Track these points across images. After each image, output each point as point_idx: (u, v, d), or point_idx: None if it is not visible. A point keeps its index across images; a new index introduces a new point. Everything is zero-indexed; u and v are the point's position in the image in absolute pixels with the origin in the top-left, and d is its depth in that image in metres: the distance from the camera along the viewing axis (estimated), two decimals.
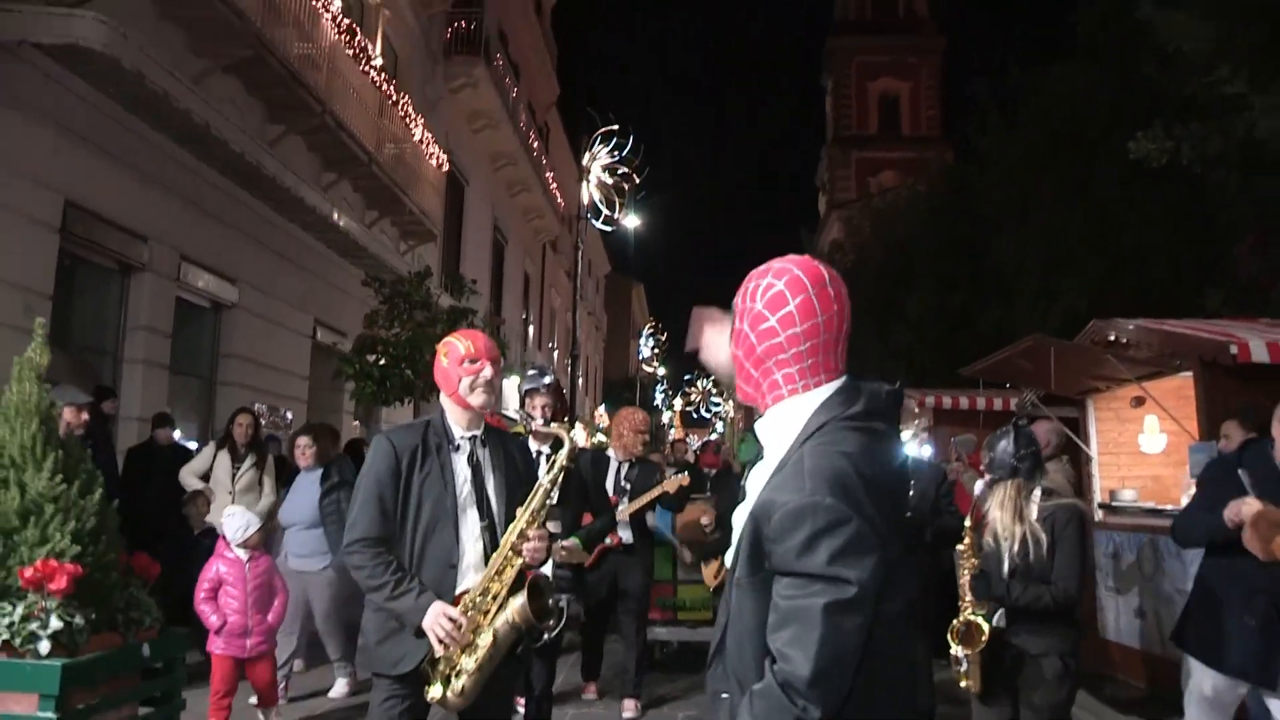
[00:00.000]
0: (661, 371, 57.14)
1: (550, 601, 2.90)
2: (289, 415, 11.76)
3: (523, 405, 4.54)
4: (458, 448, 3.03)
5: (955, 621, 3.60)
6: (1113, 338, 6.65)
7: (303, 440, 6.30)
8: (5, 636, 2.35)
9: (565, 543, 4.45)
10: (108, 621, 2.58)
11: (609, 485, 5.89)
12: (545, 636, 2.98)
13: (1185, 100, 9.93)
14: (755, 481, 1.80)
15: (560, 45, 31.29)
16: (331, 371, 11.81)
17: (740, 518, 1.79)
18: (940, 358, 15.18)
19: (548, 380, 4.57)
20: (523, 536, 2.91)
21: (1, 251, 7.41)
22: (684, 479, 6.19)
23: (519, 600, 2.83)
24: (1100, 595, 7.41)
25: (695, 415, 56.47)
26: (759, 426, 1.85)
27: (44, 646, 2.37)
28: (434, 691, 2.86)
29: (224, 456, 6.91)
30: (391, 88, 13.58)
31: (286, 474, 6.87)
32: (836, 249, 27.85)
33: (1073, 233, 12.49)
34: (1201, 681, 4.01)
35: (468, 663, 2.83)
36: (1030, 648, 3.54)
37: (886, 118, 49.22)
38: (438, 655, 2.86)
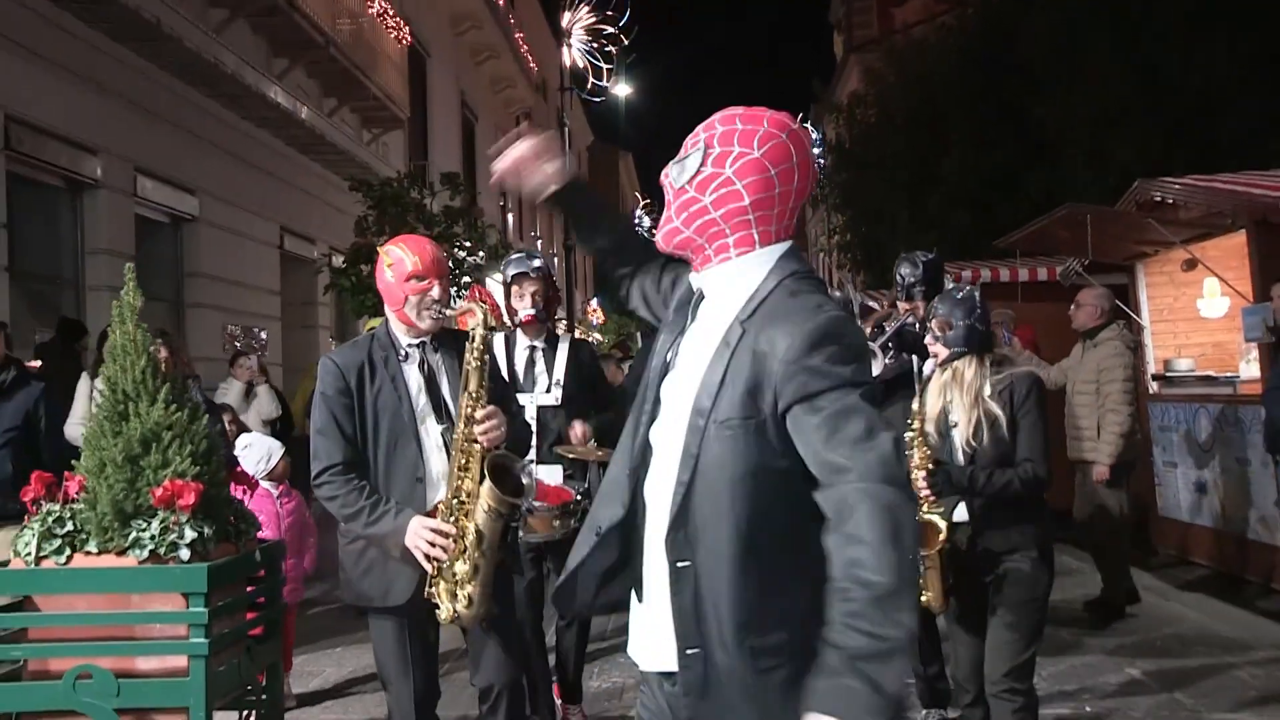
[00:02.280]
0: None
1: (516, 470, 3.09)
2: (264, 335, 12.51)
3: (508, 295, 4.59)
4: (406, 357, 3.26)
5: None
6: (1159, 198, 7.33)
7: None
8: (150, 547, 3.14)
9: (575, 430, 4.41)
10: (222, 532, 3.36)
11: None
12: (524, 505, 3.15)
13: None
14: (694, 345, 1.92)
15: None
16: (308, 284, 12.48)
17: (689, 373, 1.89)
18: (980, 226, 15.71)
19: (537, 264, 4.57)
20: (470, 422, 3.08)
21: None
22: None
23: (487, 485, 3.01)
24: (1157, 471, 8.26)
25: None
26: (707, 281, 1.96)
27: (184, 554, 3.14)
28: (444, 612, 3.07)
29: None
30: None
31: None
32: (857, 102, 27.64)
33: (1127, 85, 12.95)
34: None
35: (463, 569, 3.03)
36: (996, 545, 3.52)
37: None
38: (429, 572, 3.06)
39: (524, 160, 2.27)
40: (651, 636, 1.90)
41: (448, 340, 3.36)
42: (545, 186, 2.26)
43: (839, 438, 1.71)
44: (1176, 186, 7.36)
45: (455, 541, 3.03)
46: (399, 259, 3.27)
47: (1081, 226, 7.56)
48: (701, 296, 1.97)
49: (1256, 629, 5.97)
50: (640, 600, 1.94)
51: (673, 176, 1.95)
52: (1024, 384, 3.57)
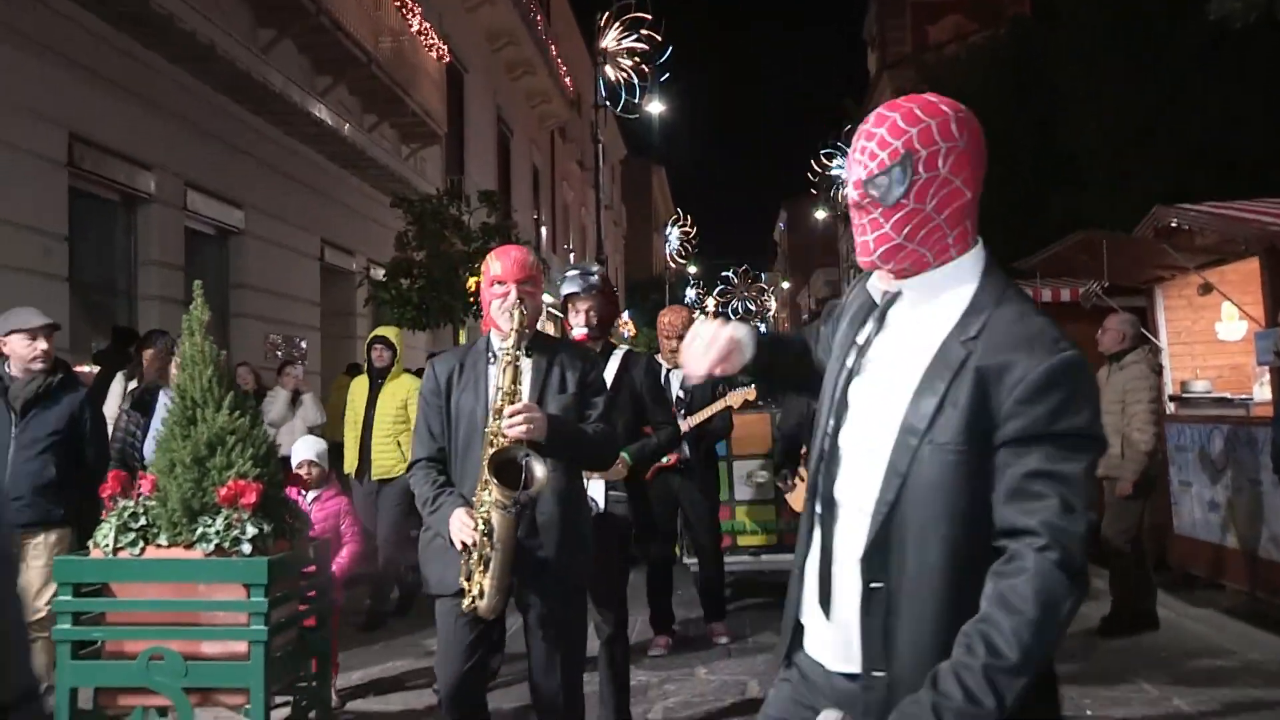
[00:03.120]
0: (692, 269, 57.68)
1: (517, 459, 3.09)
2: (304, 344, 12.92)
3: (565, 313, 4.61)
4: (494, 360, 3.39)
5: None
6: (1175, 224, 7.56)
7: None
8: (216, 541, 3.47)
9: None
10: (279, 530, 3.68)
11: None
12: (530, 492, 3.09)
13: None
14: (893, 353, 1.82)
15: None
16: (347, 295, 12.87)
17: (889, 384, 1.79)
18: (1007, 247, 15.93)
19: (593, 279, 4.54)
20: (498, 416, 3.17)
21: (12, 193, 8.36)
22: (750, 391, 6.23)
23: (491, 479, 3.09)
24: (1173, 491, 8.46)
25: (735, 316, 57.39)
26: (904, 284, 1.85)
27: (246, 548, 3.47)
28: (466, 600, 3.18)
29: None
30: None
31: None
32: None
33: (1147, 108, 13.17)
34: None
35: (477, 561, 3.14)
36: None
37: None
38: (458, 549, 3.17)
39: (724, 352, 2.10)
40: (834, 644, 1.84)
41: (544, 347, 3.49)
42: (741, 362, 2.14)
43: (1038, 504, 1.64)
44: (1193, 213, 7.58)
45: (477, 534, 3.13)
46: (487, 266, 3.48)
47: (1098, 250, 7.79)
48: (891, 301, 1.87)
49: (1262, 643, 6.16)
50: (823, 606, 1.85)
51: (880, 195, 1.79)
52: None
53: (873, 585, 1.73)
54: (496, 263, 3.44)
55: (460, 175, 19.31)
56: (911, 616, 1.71)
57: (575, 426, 3.38)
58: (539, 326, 3.57)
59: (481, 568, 3.13)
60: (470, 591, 3.16)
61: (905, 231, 1.79)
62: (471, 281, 11.64)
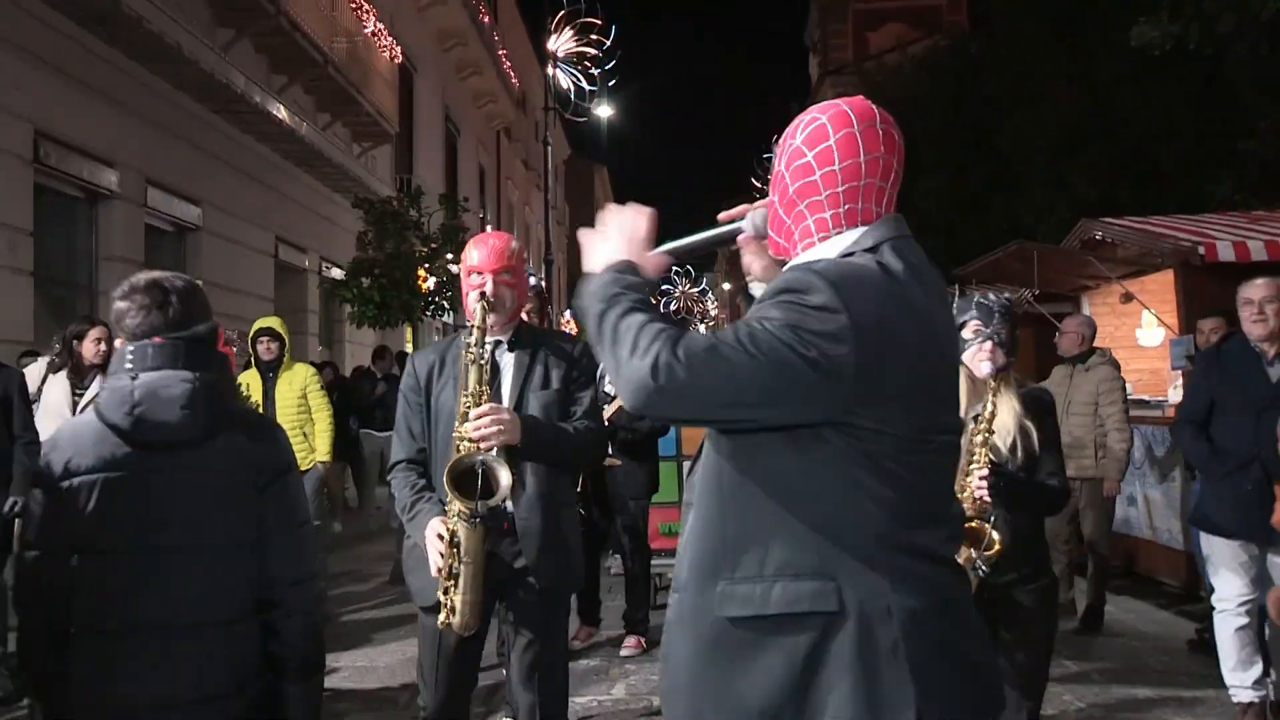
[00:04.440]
0: None
1: (474, 468, 2.95)
2: (234, 334, 13.14)
3: None
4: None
5: None
6: (1099, 236, 8.20)
7: None
8: None
9: None
10: None
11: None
12: (501, 506, 2.98)
13: None
14: None
15: None
16: (299, 292, 13.12)
17: None
18: (949, 250, 16.65)
19: (533, 281, 4.51)
20: (464, 420, 3.02)
21: None
22: None
23: (450, 489, 2.95)
24: None
25: (675, 318, 57.96)
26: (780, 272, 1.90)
27: None
28: (441, 616, 3.01)
29: (59, 380, 6.19)
30: None
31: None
32: None
33: (1081, 119, 13.97)
34: (1216, 551, 4.88)
35: (446, 575, 2.99)
36: (1005, 571, 3.30)
37: None
38: (433, 573, 3.01)
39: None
40: None
41: (529, 339, 3.34)
42: None
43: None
44: (1115, 227, 8.24)
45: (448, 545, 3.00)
46: (466, 254, 3.35)
47: (1030, 260, 8.40)
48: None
49: (1166, 624, 6.77)
50: None
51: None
52: (1046, 400, 3.61)
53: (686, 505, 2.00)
54: (474, 251, 3.30)
55: (409, 174, 19.59)
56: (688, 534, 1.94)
57: (553, 427, 3.20)
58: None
59: (452, 583, 3.00)
60: (445, 606, 3.02)
61: (771, 224, 1.95)
62: (429, 281, 12.01)
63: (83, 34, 9.69)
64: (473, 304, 3.20)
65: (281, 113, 12.57)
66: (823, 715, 1.74)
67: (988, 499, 3.27)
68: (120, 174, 10.47)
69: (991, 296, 3.57)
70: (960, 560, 2.86)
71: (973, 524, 3.23)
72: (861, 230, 1.85)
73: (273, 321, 7.25)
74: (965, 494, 3.25)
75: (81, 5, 9.08)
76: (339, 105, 15.16)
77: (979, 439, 3.32)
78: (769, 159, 40.43)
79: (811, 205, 1.86)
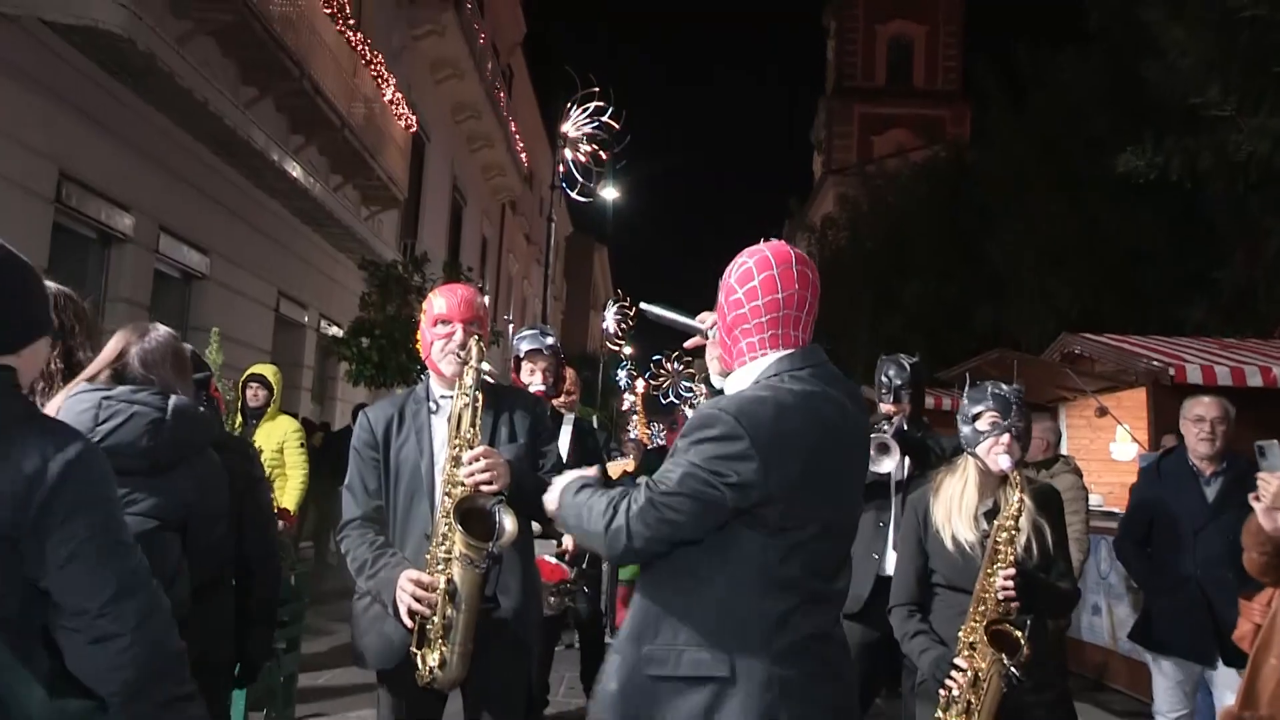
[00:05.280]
0: (628, 350, 58.48)
1: (486, 508, 2.86)
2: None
3: (517, 369, 4.58)
4: (437, 409, 3.14)
5: (969, 633, 3.18)
6: (1078, 350, 8.53)
7: None
8: None
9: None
10: None
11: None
12: (501, 543, 2.87)
13: (1183, 110, 11.73)
14: None
15: None
16: (296, 346, 13.36)
17: None
18: (934, 353, 17.03)
19: (550, 341, 4.56)
20: (456, 464, 2.92)
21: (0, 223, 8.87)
22: (629, 463, 6.29)
23: (457, 531, 2.83)
24: None
25: (663, 400, 58.19)
26: (725, 385, 2.39)
27: None
28: (421, 671, 2.87)
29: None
30: (365, 45, 15.10)
31: None
32: (829, 224, 29.15)
33: (1067, 234, 14.50)
34: (1157, 666, 4.91)
35: (437, 626, 2.85)
36: (1026, 678, 3.13)
37: (897, 67, 48.99)
38: (409, 627, 2.87)
39: None
40: None
41: (491, 395, 3.19)
42: None
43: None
44: (1094, 343, 8.58)
45: (437, 597, 2.86)
46: (430, 303, 3.26)
47: (1010, 369, 8.72)
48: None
49: None
50: None
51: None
52: (1057, 498, 3.49)
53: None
54: (440, 300, 3.23)
55: (414, 239, 19.99)
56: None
57: (536, 476, 3.12)
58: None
59: (442, 634, 2.85)
60: (427, 661, 2.87)
61: (719, 342, 2.42)
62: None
63: (111, 82, 10.07)
64: (439, 354, 3.16)
65: (296, 171, 12.96)
66: None
67: (1014, 602, 3.18)
68: (136, 219, 10.78)
69: (1004, 386, 3.55)
70: (986, 664, 3.10)
71: (1000, 627, 3.15)
72: (779, 355, 2.31)
73: (266, 369, 7.21)
74: (989, 595, 3.19)
75: (115, 56, 9.46)
76: (352, 168, 15.56)
77: (1004, 537, 3.21)
78: None
79: (743, 331, 2.34)
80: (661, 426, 60.37)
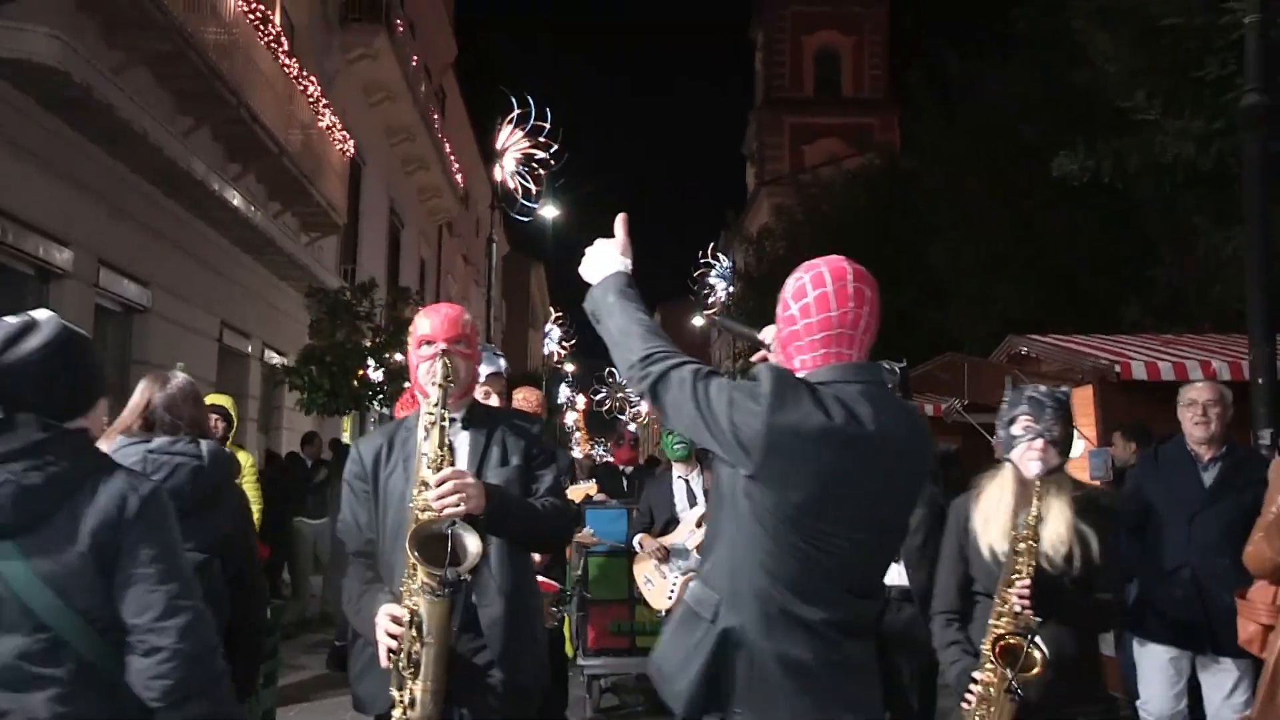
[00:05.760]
0: (570, 367, 58.47)
1: (442, 530, 2.69)
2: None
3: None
4: (426, 435, 2.93)
5: (987, 645, 3.08)
6: (1025, 351, 8.74)
7: None
8: None
9: None
10: None
11: None
12: (460, 577, 2.69)
13: (1112, 113, 12.07)
14: None
15: None
16: (240, 377, 13.19)
17: None
18: (883, 359, 17.27)
19: (502, 363, 4.53)
20: (425, 488, 2.79)
21: None
22: (591, 486, 6.34)
23: (413, 557, 2.66)
24: None
25: (607, 417, 58.24)
26: None
27: None
28: (397, 713, 2.69)
29: None
30: (301, 71, 15.00)
31: None
32: (766, 235, 29.16)
33: (1005, 239, 14.82)
34: (1146, 658, 4.77)
35: (405, 663, 2.68)
36: (1063, 695, 3.11)
37: (825, 78, 49.67)
38: (384, 665, 2.73)
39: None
40: None
41: (484, 418, 3.16)
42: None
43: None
44: (1040, 344, 8.79)
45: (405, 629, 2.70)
46: (415, 325, 3.16)
47: (960, 372, 8.90)
48: None
49: None
50: None
51: None
52: (1106, 504, 3.36)
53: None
54: (425, 320, 3.12)
55: (354, 264, 19.85)
56: None
57: (519, 499, 3.01)
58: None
59: (411, 670, 2.67)
60: (401, 702, 2.69)
61: (776, 353, 2.55)
62: (379, 372, 12.22)
63: (46, 116, 9.89)
64: (424, 376, 3.04)
65: (237, 200, 12.82)
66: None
67: (1029, 612, 3.06)
68: (74, 253, 10.58)
69: (1043, 389, 3.48)
70: (994, 678, 2.98)
71: (1009, 640, 3.01)
72: (829, 368, 2.37)
73: (223, 399, 6.96)
74: (1005, 607, 3.09)
75: (50, 90, 9.30)
76: (290, 195, 15.42)
77: (1022, 547, 3.13)
78: (706, 264, 41.44)
79: (797, 347, 2.41)
80: (606, 442, 60.41)
